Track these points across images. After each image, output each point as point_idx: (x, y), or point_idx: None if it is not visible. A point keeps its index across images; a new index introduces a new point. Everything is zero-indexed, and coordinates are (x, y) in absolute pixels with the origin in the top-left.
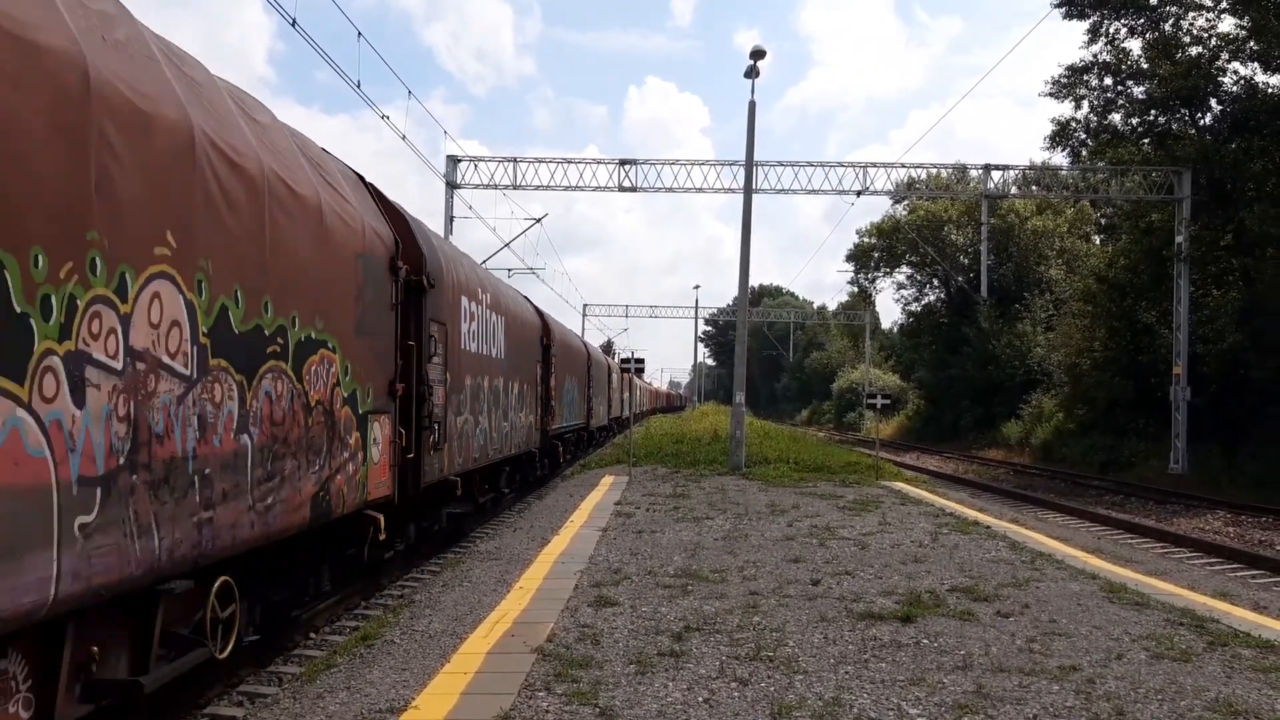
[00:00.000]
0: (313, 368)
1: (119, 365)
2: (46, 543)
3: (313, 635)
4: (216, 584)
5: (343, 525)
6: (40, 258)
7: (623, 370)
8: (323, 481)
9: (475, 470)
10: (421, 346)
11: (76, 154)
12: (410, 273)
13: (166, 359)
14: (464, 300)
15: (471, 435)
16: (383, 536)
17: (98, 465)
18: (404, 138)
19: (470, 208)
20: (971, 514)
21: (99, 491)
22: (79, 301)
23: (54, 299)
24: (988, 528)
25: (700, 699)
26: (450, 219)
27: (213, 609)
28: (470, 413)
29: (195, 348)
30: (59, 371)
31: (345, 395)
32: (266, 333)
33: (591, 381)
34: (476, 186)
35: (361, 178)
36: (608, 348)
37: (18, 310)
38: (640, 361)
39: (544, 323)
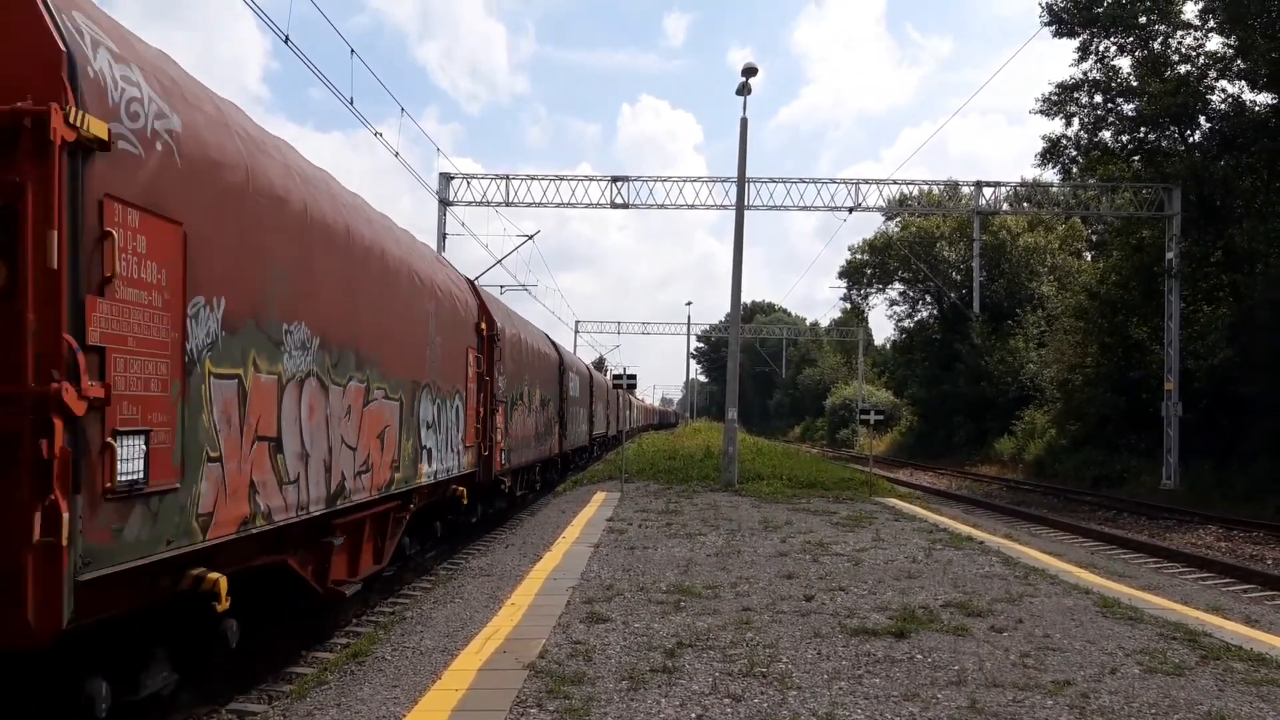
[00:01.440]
0: (548, 407)
1: (534, 408)
2: (528, 449)
3: (303, 653)
4: (537, 467)
5: (550, 460)
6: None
7: (615, 387)
8: (552, 441)
9: (572, 450)
10: (563, 395)
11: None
12: (561, 370)
13: (535, 406)
14: (570, 373)
15: (570, 434)
16: (558, 465)
17: (532, 432)
18: (397, 155)
19: (463, 224)
20: (965, 529)
21: (534, 439)
22: (527, 395)
23: (528, 395)
24: (981, 543)
25: (693, 715)
26: (443, 236)
27: (539, 473)
28: (569, 423)
29: (541, 402)
30: (531, 411)
31: (556, 415)
32: (547, 399)
33: (609, 404)
34: (469, 204)
35: (546, 333)
36: (600, 364)
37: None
38: (632, 378)
39: (590, 373)
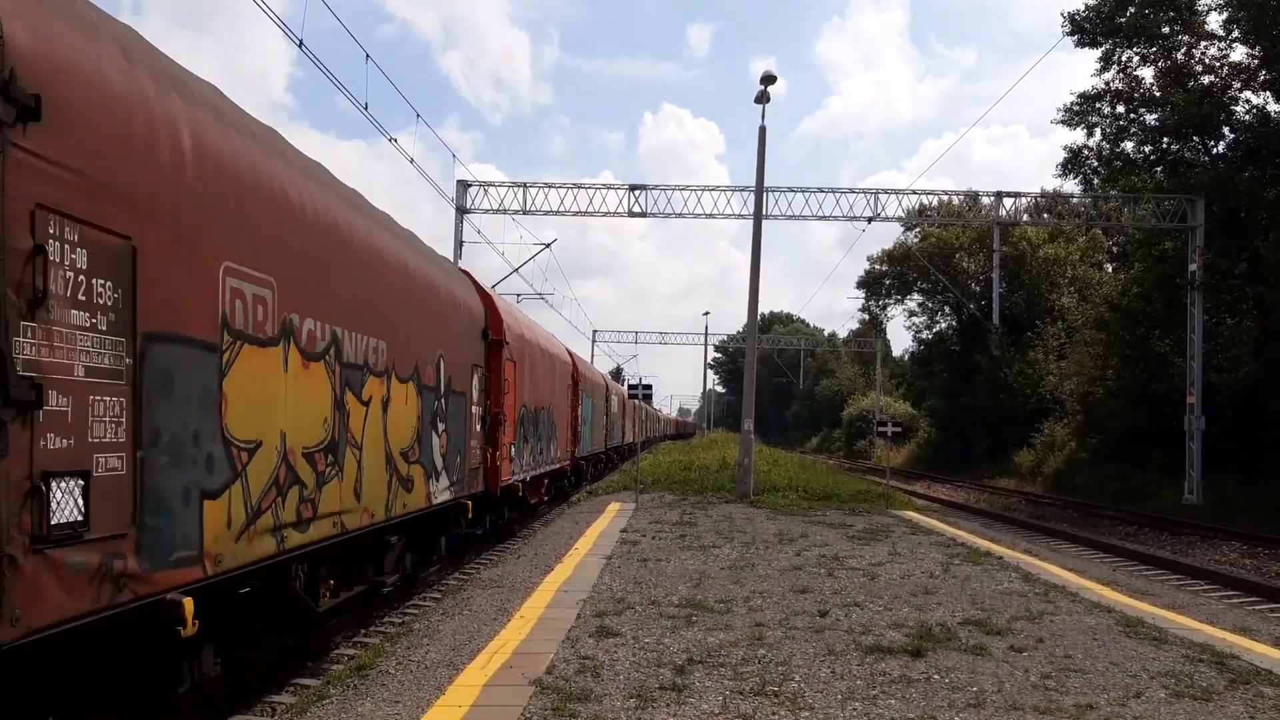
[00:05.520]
0: (588, 405)
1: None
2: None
3: (308, 664)
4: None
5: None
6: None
7: (630, 397)
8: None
9: (614, 447)
10: (608, 412)
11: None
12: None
13: (580, 417)
14: (610, 394)
15: (615, 436)
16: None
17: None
18: (411, 161)
19: (479, 232)
20: (983, 544)
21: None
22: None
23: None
24: (1000, 558)
25: None
26: (460, 243)
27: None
28: (615, 430)
29: (584, 412)
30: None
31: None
32: (593, 408)
33: (625, 414)
34: (486, 211)
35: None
36: (617, 374)
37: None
38: (648, 388)
39: (621, 396)
